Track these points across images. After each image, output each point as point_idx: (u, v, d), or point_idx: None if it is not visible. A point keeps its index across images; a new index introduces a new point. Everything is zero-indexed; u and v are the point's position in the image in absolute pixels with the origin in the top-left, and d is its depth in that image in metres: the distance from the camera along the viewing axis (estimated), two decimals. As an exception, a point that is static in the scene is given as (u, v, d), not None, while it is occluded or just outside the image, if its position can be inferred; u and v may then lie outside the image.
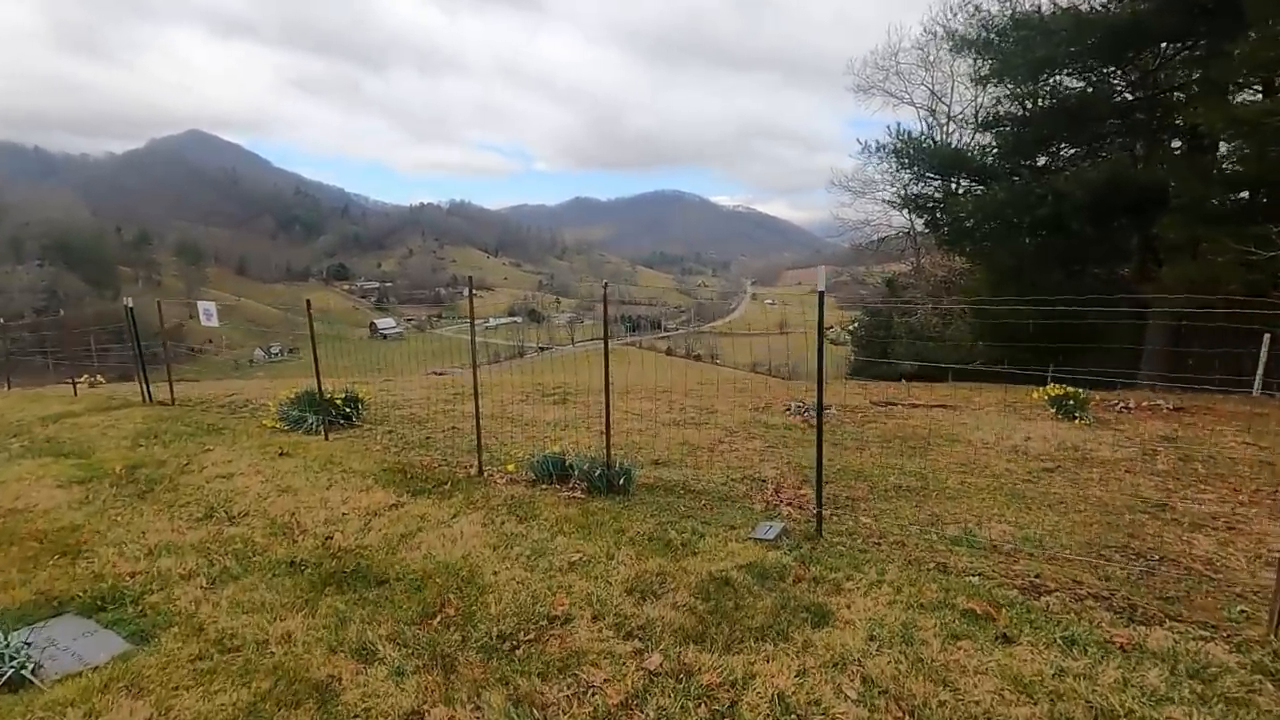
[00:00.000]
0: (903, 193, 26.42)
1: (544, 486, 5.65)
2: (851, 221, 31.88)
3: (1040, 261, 19.29)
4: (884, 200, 30.45)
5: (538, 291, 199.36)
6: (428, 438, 7.89)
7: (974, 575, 3.95)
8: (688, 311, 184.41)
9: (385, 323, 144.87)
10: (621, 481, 5.36)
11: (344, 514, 5.15)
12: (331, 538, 4.76)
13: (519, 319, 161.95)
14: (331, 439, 7.78)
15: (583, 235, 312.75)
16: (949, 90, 27.60)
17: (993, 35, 20.47)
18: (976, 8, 21.54)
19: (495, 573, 4.09)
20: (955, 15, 21.08)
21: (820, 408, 4.58)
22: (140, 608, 3.84)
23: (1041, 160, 20.61)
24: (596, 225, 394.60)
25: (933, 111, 28.57)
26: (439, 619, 3.58)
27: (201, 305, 8.72)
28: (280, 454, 6.88)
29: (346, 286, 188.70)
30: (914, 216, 28.46)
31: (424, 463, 6.58)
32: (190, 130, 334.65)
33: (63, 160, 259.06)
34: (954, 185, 22.27)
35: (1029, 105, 20.32)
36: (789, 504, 5.46)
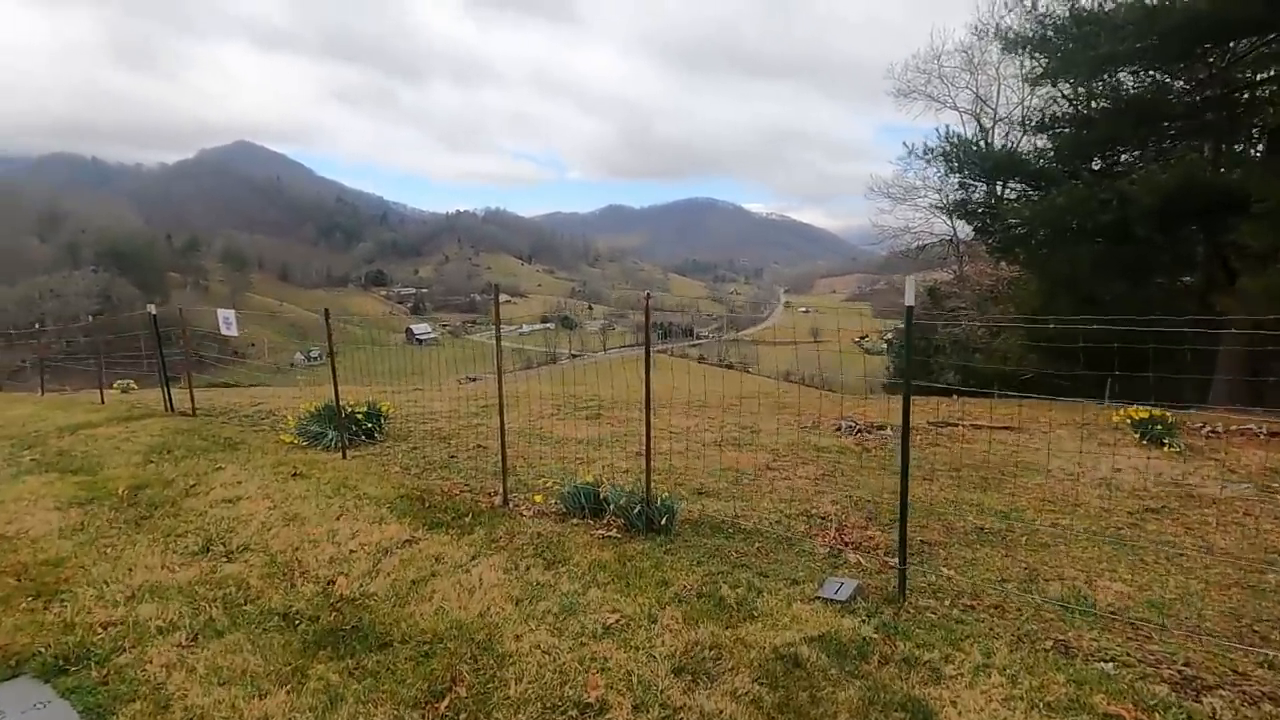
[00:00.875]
0: (950, 198, 25.38)
1: (575, 521, 5.02)
2: (891, 229, 30.98)
3: (1100, 271, 18.16)
4: (928, 206, 29.43)
5: (570, 298, 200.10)
6: (451, 457, 7.33)
7: (1106, 660, 3.19)
8: (720, 319, 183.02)
9: (420, 328, 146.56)
10: (663, 520, 4.69)
11: (351, 551, 4.59)
12: (334, 582, 4.19)
13: (551, 325, 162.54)
14: (350, 457, 7.27)
15: (615, 242, 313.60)
16: (994, 93, 26.48)
17: (1049, 32, 19.45)
18: (1033, 3, 20.54)
19: (517, 637, 3.46)
20: (1010, 11, 20.03)
21: (906, 436, 3.85)
22: (105, 671, 3.30)
23: (1099, 164, 19.50)
24: (629, 233, 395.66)
25: (976, 116, 27.54)
26: (447, 701, 2.96)
27: (221, 314, 8.33)
28: (293, 475, 6.38)
29: (384, 292, 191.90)
30: (962, 223, 27.38)
31: (445, 488, 6.00)
32: (238, 140, 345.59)
33: (118, 170, 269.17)
34: (1005, 190, 21.22)
35: (1089, 105, 19.26)
36: (855, 548, 4.74)
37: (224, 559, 4.59)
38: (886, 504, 5.70)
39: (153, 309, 9.31)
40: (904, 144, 26.18)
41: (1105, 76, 17.92)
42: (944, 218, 29.80)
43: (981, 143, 19.97)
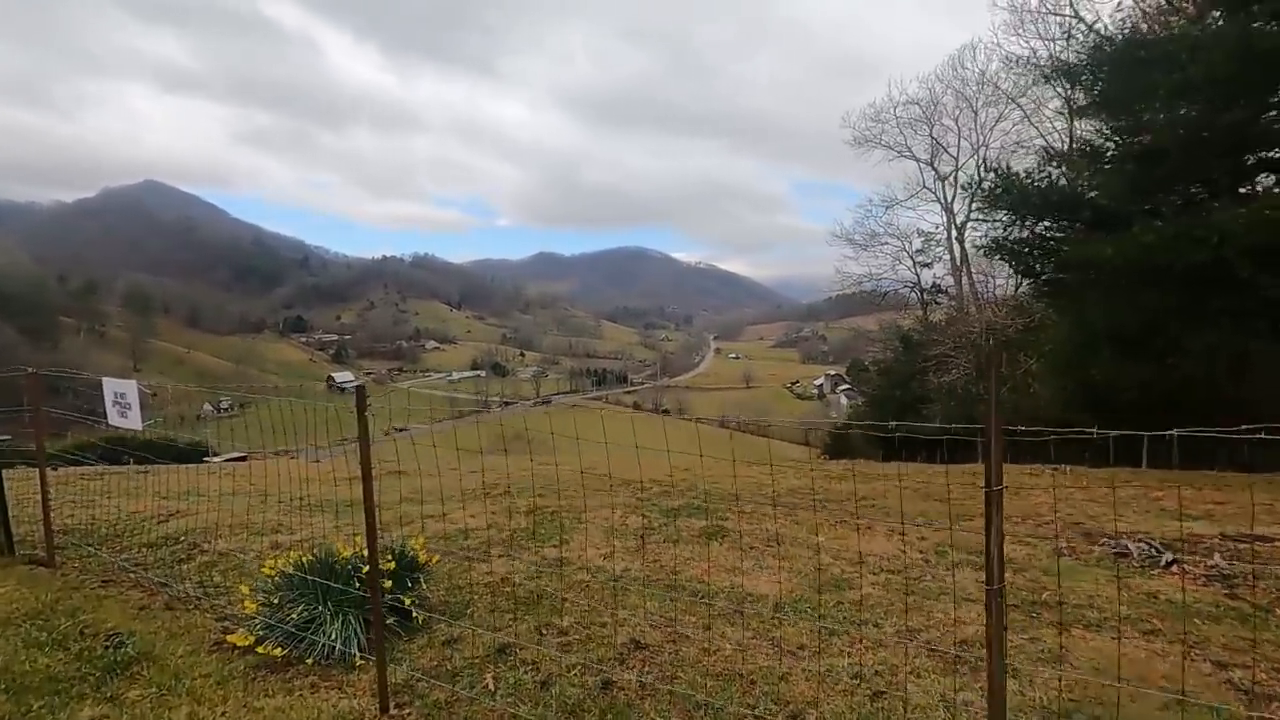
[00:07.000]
0: (988, 237, 23.60)
1: None
2: (854, 275, 30.40)
3: (1185, 317, 16.00)
4: (893, 253, 29.32)
5: (501, 345, 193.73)
6: (605, 685, 3.58)
7: None
8: (653, 365, 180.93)
9: (343, 376, 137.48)
10: None
11: None
12: None
13: (483, 372, 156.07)
14: (392, 695, 3.41)
15: (546, 289, 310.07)
16: (953, 141, 26.10)
17: (1100, 61, 17.86)
18: (1074, 32, 19.03)
19: None
20: (1062, 39, 18.39)
21: None
22: None
23: (1176, 200, 17.73)
24: (560, 280, 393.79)
25: (932, 163, 27.33)
26: None
27: (110, 387, 4.38)
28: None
29: (303, 339, 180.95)
30: (926, 271, 27.09)
31: None
32: (146, 180, 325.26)
33: (7, 208, 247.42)
34: (1050, 230, 19.26)
35: (1144, 139, 17.57)
36: None
37: None
38: None
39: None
40: (880, 190, 24.28)
41: (1182, 107, 16.18)
42: (908, 264, 29.41)
43: (1045, 178, 17.92)
